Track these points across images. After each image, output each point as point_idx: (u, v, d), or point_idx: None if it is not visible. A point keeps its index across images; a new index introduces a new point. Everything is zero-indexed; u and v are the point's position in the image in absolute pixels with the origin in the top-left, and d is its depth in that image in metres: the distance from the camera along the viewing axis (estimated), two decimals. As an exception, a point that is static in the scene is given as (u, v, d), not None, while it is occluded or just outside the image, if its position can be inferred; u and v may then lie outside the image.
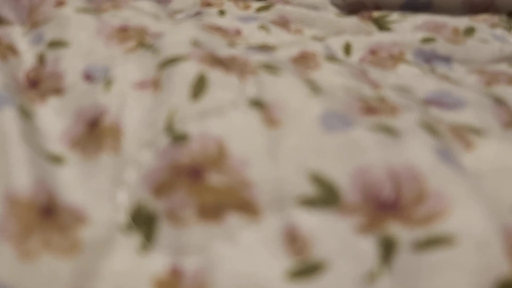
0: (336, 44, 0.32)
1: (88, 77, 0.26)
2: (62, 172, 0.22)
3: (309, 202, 0.20)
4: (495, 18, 0.34)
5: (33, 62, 0.28)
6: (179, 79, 0.24)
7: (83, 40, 0.28)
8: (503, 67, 0.30)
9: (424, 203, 0.19)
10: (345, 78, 0.25)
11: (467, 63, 0.31)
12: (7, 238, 0.19)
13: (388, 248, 0.18)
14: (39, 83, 0.27)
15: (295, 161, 0.21)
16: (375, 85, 0.26)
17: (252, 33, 0.31)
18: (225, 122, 0.22)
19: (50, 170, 0.22)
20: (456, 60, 0.31)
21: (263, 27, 0.32)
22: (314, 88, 0.24)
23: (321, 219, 0.19)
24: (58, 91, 0.26)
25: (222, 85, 0.24)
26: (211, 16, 0.34)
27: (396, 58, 0.30)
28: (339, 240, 0.19)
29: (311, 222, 0.19)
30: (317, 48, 0.29)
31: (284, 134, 0.21)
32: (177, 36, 0.27)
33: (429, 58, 0.31)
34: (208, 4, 0.36)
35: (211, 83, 0.24)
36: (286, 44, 0.30)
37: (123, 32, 0.29)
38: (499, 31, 0.33)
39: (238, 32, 0.31)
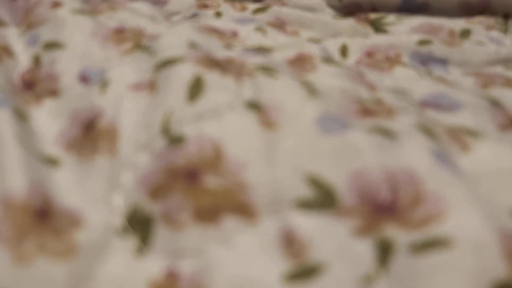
0: (332, 46, 0.32)
1: (84, 79, 0.26)
2: (58, 175, 0.22)
3: (306, 205, 0.20)
4: (491, 21, 0.34)
5: (29, 64, 0.28)
6: (176, 81, 0.24)
7: (79, 42, 0.28)
8: (499, 69, 0.30)
9: (421, 205, 0.19)
10: (342, 81, 0.25)
11: (463, 65, 0.31)
12: (1, 242, 0.19)
13: (385, 251, 0.18)
14: (35, 85, 0.26)
15: (291, 164, 0.21)
16: (371, 87, 0.26)
17: (249, 35, 0.31)
18: (221, 124, 0.22)
19: (46, 172, 0.22)
20: (452, 63, 0.31)
21: (259, 29, 0.32)
22: (311, 90, 0.24)
23: (318, 222, 0.19)
24: (53, 93, 0.26)
25: (218, 87, 0.23)
26: (208, 18, 0.34)
27: (393, 61, 0.30)
28: (336, 243, 0.19)
29: (308, 225, 0.19)
30: (313, 50, 0.29)
31: (281, 137, 0.21)
32: (174, 38, 0.27)
33: (425, 61, 0.31)
34: (205, 6, 0.36)
35: (208, 85, 0.24)
36: (283, 46, 0.30)
37: (119, 34, 0.29)
38: (494, 34, 0.33)
39: (234, 34, 0.31)
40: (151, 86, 0.25)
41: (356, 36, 0.33)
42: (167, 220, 0.20)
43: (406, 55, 0.31)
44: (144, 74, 0.25)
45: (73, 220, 0.20)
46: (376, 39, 0.32)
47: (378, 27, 0.34)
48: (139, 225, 0.20)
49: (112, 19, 0.30)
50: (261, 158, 0.21)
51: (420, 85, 0.27)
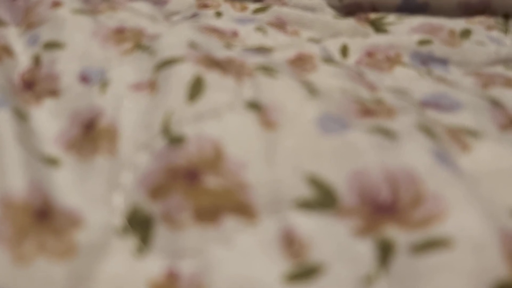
0: (333, 46, 0.32)
1: (84, 79, 0.26)
2: (58, 175, 0.22)
3: (306, 205, 0.20)
4: (491, 20, 0.34)
5: (29, 64, 0.28)
6: (176, 81, 0.24)
7: (79, 42, 0.28)
8: (499, 69, 0.30)
9: (421, 206, 0.19)
10: (342, 81, 0.25)
11: (463, 65, 0.31)
12: (1, 242, 0.19)
13: (385, 251, 0.18)
14: (35, 85, 0.26)
15: (292, 164, 0.21)
16: (372, 87, 0.26)
17: (249, 35, 0.31)
18: (221, 124, 0.22)
19: (45, 172, 0.22)
20: (453, 63, 0.31)
21: (259, 29, 0.32)
22: (311, 90, 0.24)
23: (318, 222, 0.19)
24: (53, 93, 0.26)
25: (218, 87, 0.23)
26: (208, 18, 0.34)
27: (393, 61, 0.30)
28: (336, 243, 0.19)
29: (308, 225, 0.19)
30: (314, 50, 0.29)
31: (281, 137, 0.21)
32: (174, 38, 0.27)
33: (425, 61, 0.31)
34: (205, 6, 0.36)
35: (208, 85, 0.24)
36: (283, 46, 0.30)
37: (119, 34, 0.29)
38: (495, 34, 0.33)
39: (234, 34, 0.31)
40: (151, 86, 0.25)
41: (356, 36, 0.33)
42: (167, 220, 0.20)
43: (406, 55, 0.31)
44: (144, 74, 0.25)
45: (73, 220, 0.20)
46: (376, 39, 0.32)
47: (378, 27, 0.34)
48: (139, 225, 0.20)
49: (112, 19, 0.30)
50: (261, 158, 0.21)
51: (420, 85, 0.27)
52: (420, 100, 0.25)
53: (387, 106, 0.24)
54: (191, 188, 0.20)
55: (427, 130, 0.22)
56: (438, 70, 0.30)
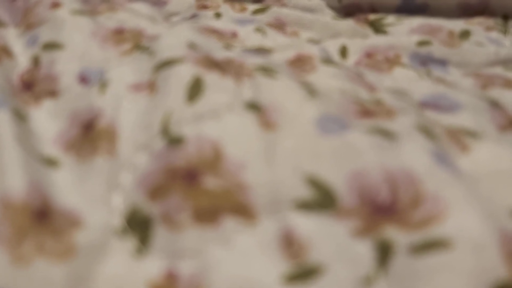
0: (332, 47, 0.32)
1: (83, 79, 0.26)
2: (57, 175, 0.22)
3: (305, 206, 0.20)
4: (490, 21, 0.34)
5: (28, 64, 0.28)
6: (175, 82, 0.24)
7: (78, 43, 0.28)
8: (498, 70, 0.30)
9: (420, 206, 0.19)
10: (341, 81, 0.25)
11: (462, 66, 0.31)
12: (0, 242, 0.19)
13: (384, 252, 0.18)
14: (34, 86, 0.26)
15: (291, 164, 0.21)
16: (371, 88, 0.26)
17: (248, 36, 0.31)
18: (221, 125, 0.22)
19: (45, 173, 0.22)
20: (452, 64, 0.31)
21: (259, 30, 0.32)
22: (310, 91, 0.24)
23: (318, 222, 0.19)
24: (52, 93, 0.26)
25: (218, 88, 0.23)
26: (207, 19, 0.34)
27: (392, 62, 0.30)
28: (336, 244, 0.19)
29: (307, 225, 0.19)
30: (313, 51, 0.29)
31: (280, 137, 0.21)
32: (173, 39, 0.27)
33: (424, 61, 0.31)
34: (204, 7, 0.36)
35: (207, 86, 0.24)
36: (282, 47, 0.30)
37: (118, 35, 0.29)
38: (494, 34, 0.33)
39: (234, 35, 0.31)
40: (151, 86, 0.25)
41: (355, 37, 0.33)
42: (166, 220, 0.20)
43: (405, 56, 0.31)
44: (144, 75, 0.25)
45: (72, 221, 0.20)
46: (375, 40, 0.32)
47: (377, 28, 0.34)
48: (138, 226, 0.20)
49: (111, 20, 0.30)
50: (260, 158, 0.21)
51: (419, 85, 0.27)
52: (420, 101, 0.25)
53: (386, 106, 0.24)
54: (190, 189, 0.20)
55: (427, 131, 0.22)
56: (437, 71, 0.30)
